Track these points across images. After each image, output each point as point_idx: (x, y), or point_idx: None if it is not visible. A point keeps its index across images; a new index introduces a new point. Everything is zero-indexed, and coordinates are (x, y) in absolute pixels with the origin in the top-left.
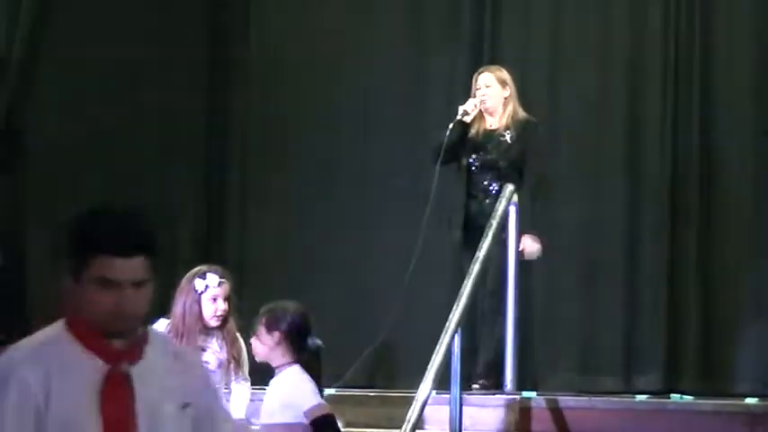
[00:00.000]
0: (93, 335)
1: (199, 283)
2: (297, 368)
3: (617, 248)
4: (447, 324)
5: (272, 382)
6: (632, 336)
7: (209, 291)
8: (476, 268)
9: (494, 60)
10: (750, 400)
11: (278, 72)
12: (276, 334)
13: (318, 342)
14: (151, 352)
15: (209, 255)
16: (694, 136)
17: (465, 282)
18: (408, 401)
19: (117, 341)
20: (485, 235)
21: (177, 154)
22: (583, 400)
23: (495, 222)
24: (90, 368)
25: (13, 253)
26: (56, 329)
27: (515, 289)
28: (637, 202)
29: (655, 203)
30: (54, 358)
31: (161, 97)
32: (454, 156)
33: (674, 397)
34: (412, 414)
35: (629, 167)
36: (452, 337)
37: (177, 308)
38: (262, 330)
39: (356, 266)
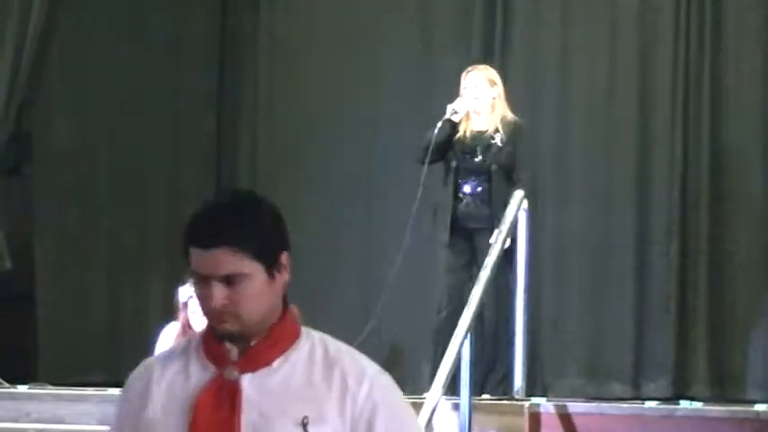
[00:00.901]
0: (211, 338)
1: (182, 293)
2: None
3: (627, 254)
4: (456, 330)
5: None
6: (641, 342)
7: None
8: (485, 274)
9: (504, 61)
10: (759, 407)
11: (288, 74)
12: None
13: None
14: (293, 359)
15: None
16: (704, 144)
17: (474, 288)
18: (418, 407)
19: (234, 345)
20: (495, 240)
21: (187, 159)
22: (592, 406)
23: (504, 228)
24: (200, 373)
25: (21, 257)
26: (199, 334)
27: (525, 295)
28: (646, 209)
29: (664, 210)
30: (169, 364)
31: (170, 102)
32: (441, 155)
33: (684, 403)
34: (422, 420)
35: (639, 173)
36: (462, 343)
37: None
38: None
39: (365, 270)
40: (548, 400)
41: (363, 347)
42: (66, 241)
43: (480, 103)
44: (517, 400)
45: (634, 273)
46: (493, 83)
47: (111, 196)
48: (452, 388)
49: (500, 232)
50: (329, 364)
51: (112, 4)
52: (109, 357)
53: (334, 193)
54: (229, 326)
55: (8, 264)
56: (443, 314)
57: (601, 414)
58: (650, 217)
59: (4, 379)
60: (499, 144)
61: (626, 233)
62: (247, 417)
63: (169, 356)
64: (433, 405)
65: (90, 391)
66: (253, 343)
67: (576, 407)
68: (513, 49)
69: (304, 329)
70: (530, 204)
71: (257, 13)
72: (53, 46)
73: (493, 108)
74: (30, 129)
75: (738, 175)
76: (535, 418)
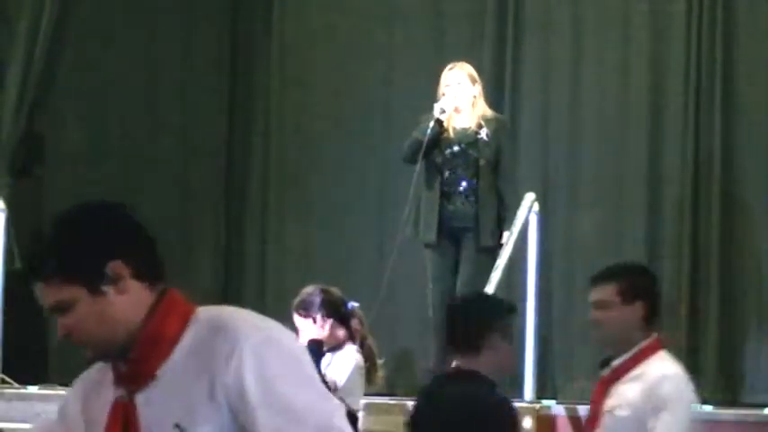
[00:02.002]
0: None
1: None
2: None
3: (636, 257)
4: None
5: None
6: None
7: None
8: (497, 276)
9: (515, 66)
10: None
11: (299, 77)
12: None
13: None
14: (175, 359)
15: (228, 261)
16: (716, 147)
17: (485, 290)
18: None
19: (120, 363)
20: (506, 242)
21: (198, 162)
22: None
23: (515, 230)
24: (108, 393)
25: None
26: None
27: (534, 296)
28: (657, 212)
29: (675, 213)
30: (95, 377)
31: (182, 104)
32: (425, 155)
33: (694, 407)
34: None
35: (651, 177)
36: None
37: None
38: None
39: (377, 270)
40: (558, 403)
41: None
42: None
43: (462, 99)
44: (527, 402)
45: None
46: (474, 79)
47: (122, 197)
48: None
49: (510, 234)
50: (202, 351)
51: (124, 6)
52: None
53: (346, 196)
54: (87, 354)
55: (19, 264)
56: (438, 320)
57: None
58: (661, 220)
59: (14, 380)
60: (486, 139)
61: (637, 236)
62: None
63: (100, 368)
64: None
65: None
66: (130, 361)
67: (586, 410)
68: (525, 54)
69: (193, 316)
70: (540, 207)
71: (269, 16)
72: (65, 47)
73: (474, 105)
74: (41, 130)
75: (750, 178)
76: (545, 421)
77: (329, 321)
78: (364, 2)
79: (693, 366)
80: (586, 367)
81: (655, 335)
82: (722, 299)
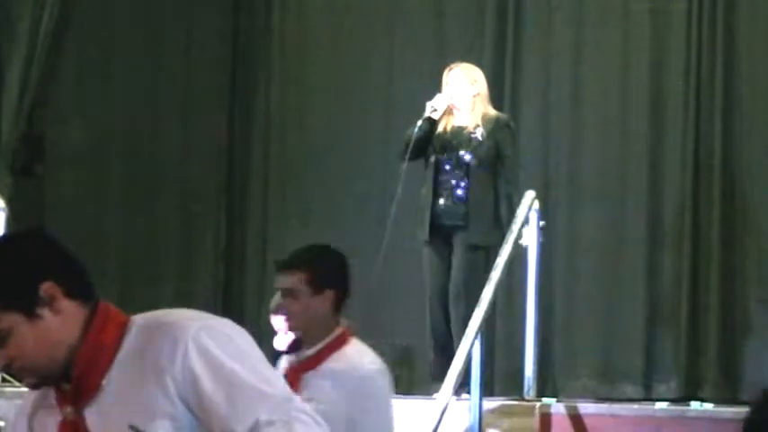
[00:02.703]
0: None
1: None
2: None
3: (638, 255)
4: (467, 330)
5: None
6: (652, 343)
7: None
8: (497, 274)
9: (516, 64)
10: None
11: (300, 74)
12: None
13: None
14: (117, 367)
15: (229, 261)
16: (716, 145)
17: (485, 288)
18: (428, 408)
19: (62, 385)
20: (505, 240)
21: (199, 159)
22: (603, 407)
23: (515, 229)
24: (53, 415)
25: None
26: None
27: (535, 295)
28: (658, 210)
29: (676, 211)
30: (40, 399)
31: (183, 102)
32: (421, 152)
33: (694, 404)
34: (432, 420)
35: (651, 175)
36: (472, 343)
37: None
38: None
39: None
40: (558, 401)
41: (372, 348)
42: (77, 241)
43: (460, 100)
44: (528, 400)
45: (645, 274)
46: (474, 80)
47: (123, 196)
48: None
49: (511, 232)
50: (145, 352)
51: (126, 6)
52: None
53: (347, 193)
54: (29, 381)
55: None
56: (435, 318)
57: (612, 415)
58: (662, 218)
59: (14, 378)
60: (479, 138)
61: (637, 234)
62: None
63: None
64: (444, 405)
65: None
66: (73, 380)
67: (586, 408)
68: (525, 53)
69: (129, 322)
70: (540, 206)
71: (270, 16)
72: (65, 46)
73: (473, 105)
74: (42, 128)
75: (751, 177)
76: (546, 419)
77: None
78: (365, 1)
79: (694, 364)
80: (588, 365)
81: (344, 323)
82: (723, 296)
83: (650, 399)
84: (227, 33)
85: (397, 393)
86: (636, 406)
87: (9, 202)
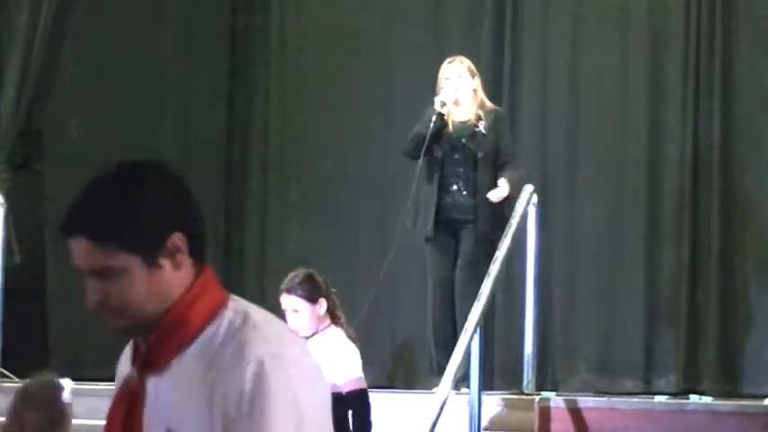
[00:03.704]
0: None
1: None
2: (340, 330)
3: (637, 249)
4: (466, 324)
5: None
6: (652, 337)
7: None
8: (496, 268)
9: (514, 61)
10: None
11: (299, 72)
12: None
13: None
14: (191, 353)
15: (228, 257)
16: (715, 142)
17: (484, 282)
18: (428, 402)
19: (143, 341)
20: (504, 234)
21: (197, 157)
22: (602, 401)
23: (514, 222)
24: (124, 370)
25: (32, 252)
26: None
27: (534, 289)
28: (657, 204)
29: (675, 204)
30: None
31: (180, 103)
32: (427, 149)
33: (694, 398)
34: (431, 414)
35: (650, 170)
36: (471, 338)
37: None
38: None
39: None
40: (557, 395)
41: (373, 342)
42: None
43: (463, 93)
44: (527, 394)
45: (645, 268)
46: (473, 73)
47: None
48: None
49: (510, 226)
50: (217, 352)
51: (124, 2)
52: (119, 352)
53: (346, 191)
54: (115, 322)
55: (18, 259)
56: (437, 312)
57: (611, 409)
58: (661, 213)
59: (14, 374)
60: (483, 132)
61: (636, 230)
62: (149, 427)
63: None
64: (443, 399)
65: (100, 385)
66: (149, 341)
67: (585, 401)
68: (523, 51)
69: (223, 308)
70: (539, 199)
71: (269, 14)
72: (64, 43)
73: (474, 98)
74: (41, 125)
75: (750, 172)
76: (545, 413)
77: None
78: (364, 0)
79: (693, 358)
80: (587, 359)
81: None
82: (722, 291)
83: (649, 393)
84: (225, 30)
85: (397, 387)
86: (635, 400)
87: (8, 198)
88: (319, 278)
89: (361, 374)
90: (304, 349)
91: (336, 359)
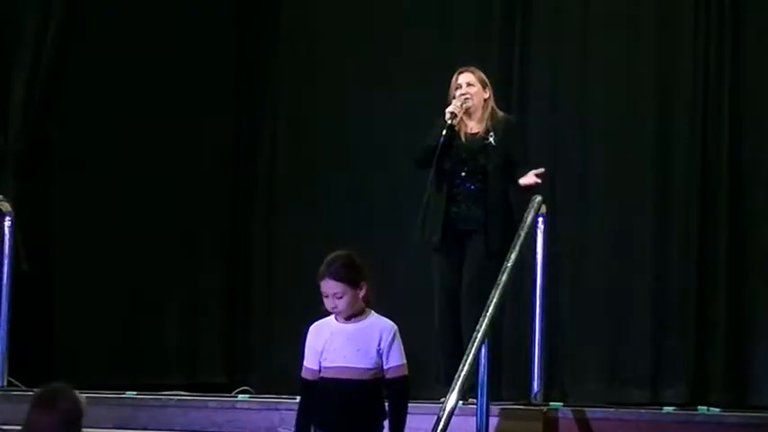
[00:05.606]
0: None
1: None
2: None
3: (646, 260)
4: (474, 334)
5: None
6: (660, 347)
7: None
8: (503, 279)
9: (524, 65)
10: None
11: (307, 82)
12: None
13: None
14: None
15: (234, 262)
16: (724, 150)
17: (492, 292)
18: (435, 412)
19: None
20: (513, 245)
21: (205, 164)
22: (610, 412)
23: (523, 233)
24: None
25: (38, 260)
26: None
27: (541, 299)
28: (665, 215)
29: (683, 215)
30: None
31: (188, 109)
32: (437, 160)
33: (702, 409)
34: (439, 424)
35: (659, 179)
36: (479, 348)
37: None
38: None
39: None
40: (565, 406)
41: None
42: (83, 244)
43: (474, 103)
44: (535, 405)
45: (653, 278)
46: (485, 83)
47: (129, 200)
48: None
49: (518, 236)
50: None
51: (131, 9)
52: (126, 360)
53: (353, 201)
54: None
55: (26, 266)
56: (443, 323)
57: (619, 419)
58: (670, 223)
59: (21, 382)
60: (494, 144)
61: (645, 239)
62: None
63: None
64: (451, 409)
65: (107, 394)
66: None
67: (593, 412)
68: (533, 54)
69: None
70: (548, 209)
71: (275, 15)
72: (71, 51)
73: (485, 109)
74: (48, 132)
75: (758, 181)
76: (552, 424)
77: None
78: (370, 1)
79: (701, 369)
80: (595, 369)
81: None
82: (730, 301)
83: (658, 403)
84: (232, 34)
85: None
86: (643, 410)
87: (15, 206)
88: (359, 260)
89: (405, 361)
90: None
91: (380, 344)
